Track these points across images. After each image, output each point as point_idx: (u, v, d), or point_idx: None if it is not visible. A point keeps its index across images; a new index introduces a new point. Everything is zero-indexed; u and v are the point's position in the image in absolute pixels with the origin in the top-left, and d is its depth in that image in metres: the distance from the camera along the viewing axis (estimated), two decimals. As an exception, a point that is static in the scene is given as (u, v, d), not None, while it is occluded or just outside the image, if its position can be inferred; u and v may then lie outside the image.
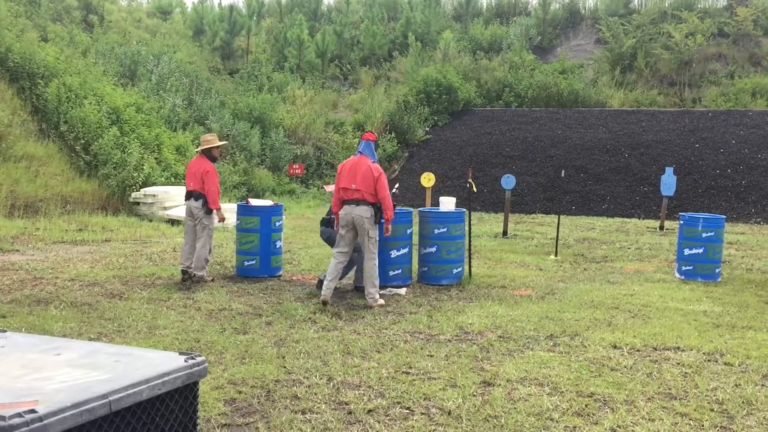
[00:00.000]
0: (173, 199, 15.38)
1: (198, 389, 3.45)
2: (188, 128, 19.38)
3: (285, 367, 5.27)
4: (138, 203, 15.41)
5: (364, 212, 7.51)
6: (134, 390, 2.84)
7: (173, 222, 14.79)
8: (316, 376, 5.05)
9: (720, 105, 23.53)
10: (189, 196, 8.85)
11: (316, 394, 4.70)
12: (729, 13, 27.51)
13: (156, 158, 16.75)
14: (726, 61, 26.32)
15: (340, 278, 8.12)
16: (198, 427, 3.52)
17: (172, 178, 16.70)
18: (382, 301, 7.72)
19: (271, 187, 20.02)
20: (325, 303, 7.46)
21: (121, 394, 2.74)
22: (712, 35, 26.84)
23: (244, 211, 9.37)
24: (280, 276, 9.33)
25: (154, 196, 15.18)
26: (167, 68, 22.03)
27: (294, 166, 21.13)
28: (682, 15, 26.94)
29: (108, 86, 18.00)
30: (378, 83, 27.78)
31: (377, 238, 7.70)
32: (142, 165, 15.92)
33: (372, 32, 30.25)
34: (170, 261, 10.29)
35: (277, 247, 9.37)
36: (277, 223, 9.39)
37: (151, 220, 14.75)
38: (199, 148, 9.03)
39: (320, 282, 8.14)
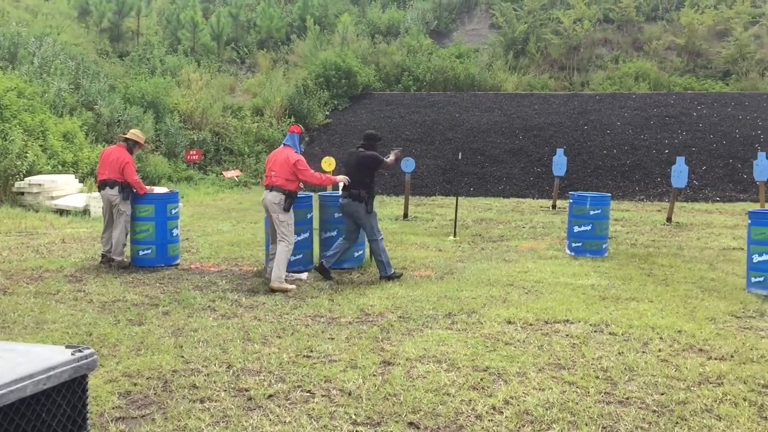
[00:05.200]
0: (61, 188, 14.67)
1: (87, 383, 3.34)
2: (76, 114, 18.48)
3: (183, 356, 5.17)
4: (22, 193, 14.60)
5: (274, 198, 7.80)
6: (17, 386, 2.71)
7: (62, 212, 14.12)
8: (215, 364, 4.99)
9: (606, 88, 24.67)
10: (104, 185, 8.99)
11: (215, 382, 4.64)
12: (613, 0, 28.79)
13: (41, 146, 15.90)
14: (611, 46, 27.58)
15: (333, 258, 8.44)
16: (88, 422, 3.40)
17: (60, 167, 15.91)
18: (290, 287, 7.71)
19: (167, 174, 19.41)
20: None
21: (2, 391, 2.61)
22: (598, 21, 28.04)
23: (138, 199, 9.07)
24: (177, 265, 9.11)
25: (39, 185, 14.42)
26: (51, 51, 20.86)
27: (191, 152, 20.58)
28: (570, 1, 27.99)
29: (-15, 69, 16.90)
30: (276, 67, 27.39)
31: (289, 222, 7.87)
32: (26, 153, 15.07)
33: (269, 15, 29.75)
34: (59, 253, 9.83)
35: (174, 235, 9.13)
36: (173, 211, 9.14)
37: (37, 211, 14.01)
38: (125, 135, 9.32)
39: (321, 266, 8.34)
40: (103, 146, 14.71)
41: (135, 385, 4.57)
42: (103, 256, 9.08)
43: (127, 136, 9.29)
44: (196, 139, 21.55)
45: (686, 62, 25.98)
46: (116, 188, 8.90)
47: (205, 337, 5.70)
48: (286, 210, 7.82)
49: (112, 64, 25.07)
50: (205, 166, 21.36)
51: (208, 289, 7.60)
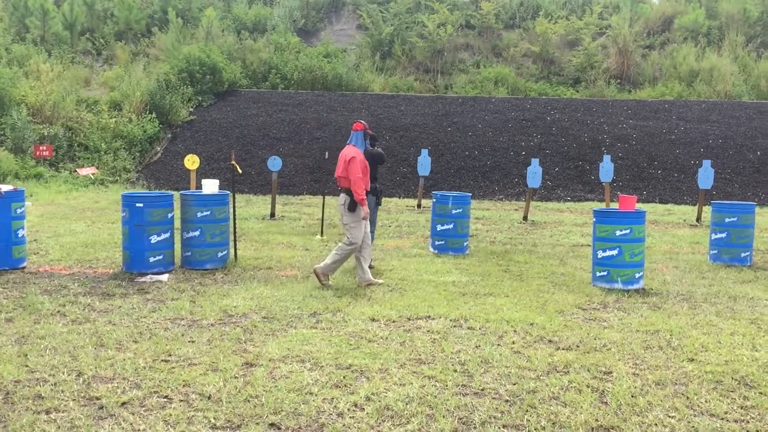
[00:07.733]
0: None
1: None
2: None
3: (27, 365, 4.84)
4: None
5: (341, 199, 7.87)
6: None
7: None
8: (63, 373, 4.70)
9: (468, 92, 25.60)
10: None
11: (63, 391, 4.37)
12: (475, 7, 29.94)
13: None
14: (473, 51, 28.67)
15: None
16: None
17: None
18: (377, 281, 7.97)
19: (14, 171, 18.11)
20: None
21: None
22: (461, 26, 29.07)
23: (-23, 197, 8.38)
24: (24, 268, 8.51)
25: None
26: None
27: (41, 148, 19.30)
28: (434, 6, 28.82)
29: None
30: (136, 60, 26.24)
31: (352, 225, 7.76)
32: None
33: (127, 5, 28.45)
34: None
35: (20, 236, 8.52)
36: (18, 210, 8.54)
37: None
38: None
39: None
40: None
41: (-29, 398, 4.23)
42: None
43: None
44: (46, 134, 20.24)
45: (541, 69, 27.47)
46: None
47: (53, 344, 5.36)
48: (351, 210, 7.76)
49: (-51, 51, 23.07)
50: (58, 162, 20.10)
51: (58, 294, 7.15)
